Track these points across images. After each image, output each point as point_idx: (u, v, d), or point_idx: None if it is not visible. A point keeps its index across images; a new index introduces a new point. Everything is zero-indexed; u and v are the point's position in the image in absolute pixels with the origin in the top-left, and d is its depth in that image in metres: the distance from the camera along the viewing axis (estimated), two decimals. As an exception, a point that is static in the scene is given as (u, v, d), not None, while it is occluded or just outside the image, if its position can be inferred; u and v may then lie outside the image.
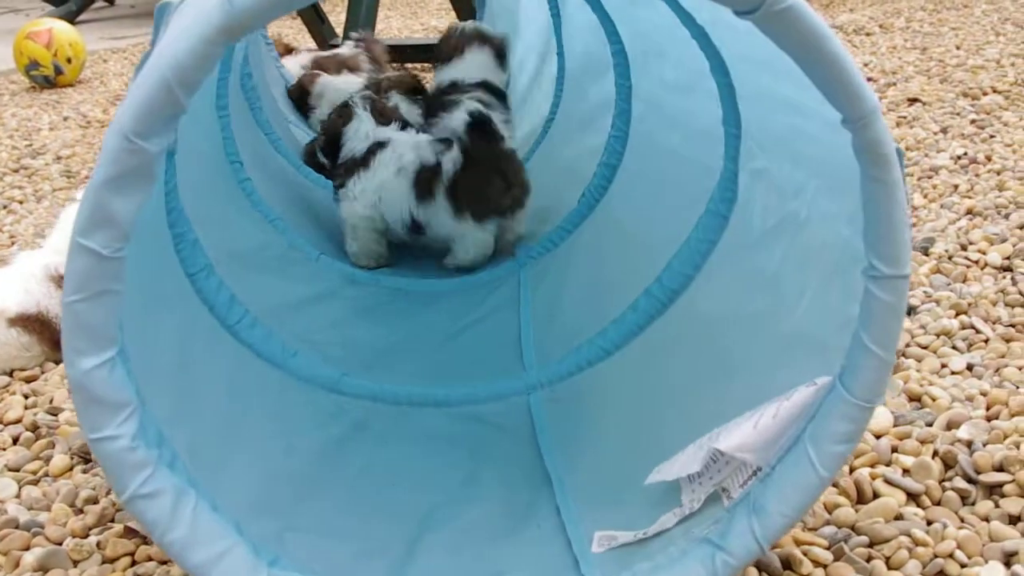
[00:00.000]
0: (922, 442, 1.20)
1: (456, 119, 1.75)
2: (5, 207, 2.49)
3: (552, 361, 1.36)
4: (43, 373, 1.57)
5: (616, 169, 1.66)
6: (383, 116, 2.00)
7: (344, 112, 1.96)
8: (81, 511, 1.18)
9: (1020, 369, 1.36)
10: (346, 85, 2.59)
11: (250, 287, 1.30)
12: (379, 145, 1.83)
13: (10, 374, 1.56)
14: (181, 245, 1.16)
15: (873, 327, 0.80)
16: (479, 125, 1.70)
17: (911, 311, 1.57)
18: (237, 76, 1.93)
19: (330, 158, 1.95)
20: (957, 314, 1.55)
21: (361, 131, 1.91)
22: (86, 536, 1.14)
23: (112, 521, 1.16)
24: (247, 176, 1.65)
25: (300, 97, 2.67)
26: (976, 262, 1.73)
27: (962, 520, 1.09)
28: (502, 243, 1.81)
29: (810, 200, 0.99)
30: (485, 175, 1.71)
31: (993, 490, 1.12)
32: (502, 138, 1.77)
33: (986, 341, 1.47)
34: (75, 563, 1.09)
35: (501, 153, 1.75)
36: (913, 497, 1.12)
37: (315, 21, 3.62)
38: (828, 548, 1.04)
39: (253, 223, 1.62)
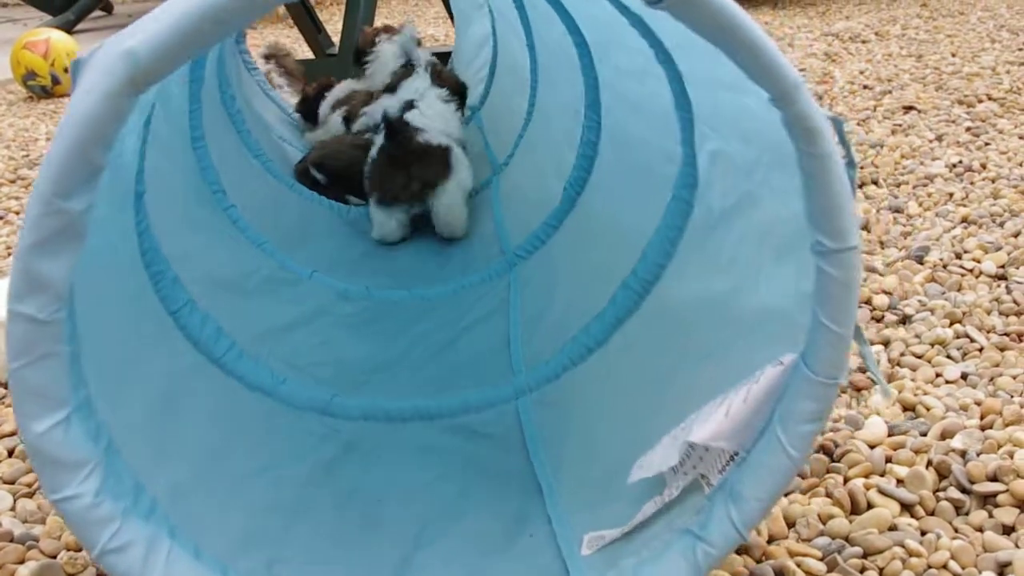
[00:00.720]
0: (916, 452, 1.21)
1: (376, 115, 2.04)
2: (2, 218, 2.49)
3: (539, 363, 1.36)
4: (38, 385, 1.56)
5: (593, 160, 1.66)
6: (441, 81, 2.23)
7: (405, 70, 2.25)
8: (75, 524, 1.18)
9: (1014, 378, 1.36)
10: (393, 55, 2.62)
11: (238, 313, 1.30)
12: (408, 105, 2.06)
13: (4, 386, 1.56)
14: (161, 284, 1.16)
15: (826, 303, 0.79)
16: (391, 127, 1.92)
17: (905, 320, 1.57)
18: (216, 104, 1.93)
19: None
20: (951, 323, 1.55)
21: (413, 87, 2.17)
22: (80, 549, 1.13)
23: (106, 534, 1.16)
24: (231, 204, 1.65)
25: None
26: (971, 271, 1.74)
27: (956, 530, 1.09)
28: (439, 223, 2.00)
29: (762, 177, 0.99)
30: (391, 169, 1.95)
31: (987, 500, 1.13)
32: (410, 138, 1.95)
33: (980, 350, 1.47)
34: (69, 577, 1.09)
35: (411, 151, 1.95)
36: (907, 507, 1.12)
37: (311, 30, 3.62)
38: (822, 559, 1.04)
39: (240, 250, 1.62)
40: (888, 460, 1.20)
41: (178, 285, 1.18)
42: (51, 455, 0.73)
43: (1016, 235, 1.85)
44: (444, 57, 3.00)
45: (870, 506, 1.13)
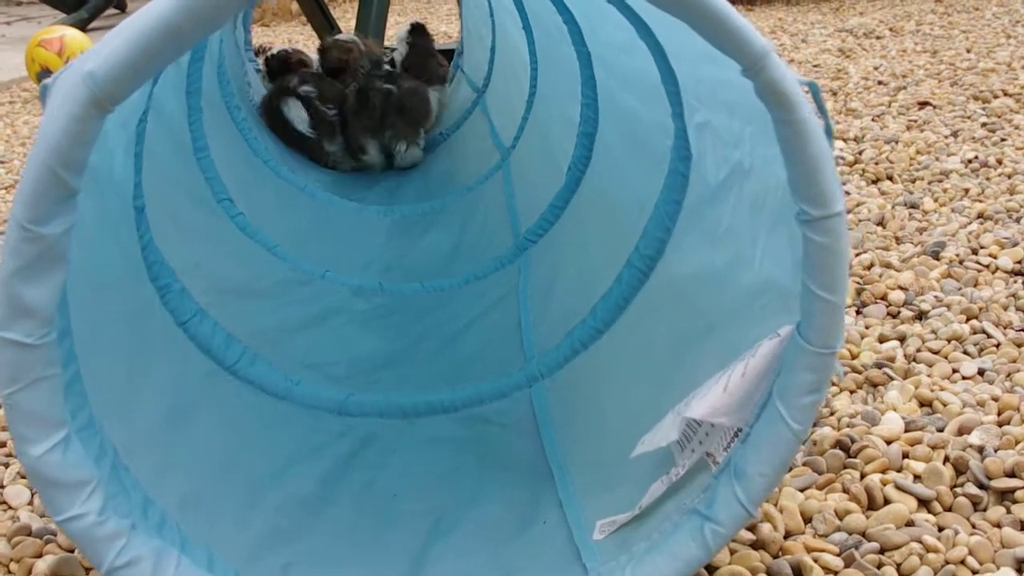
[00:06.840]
0: (933, 448, 1.20)
1: None
2: (17, 214, 2.50)
3: (550, 347, 1.35)
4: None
5: (593, 137, 1.62)
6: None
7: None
8: (93, 518, 1.19)
9: (1031, 374, 1.36)
10: None
11: (250, 318, 1.30)
12: None
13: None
14: (168, 296, 1.16)
15: (815, 271, 0.78)
16: None
17: (922, 316, 1.57)
18: (219, 112, 1.92)
19: None
20: (968, 319, 1.54)
21: None
22: (98, 543, 1.14)
23: (123, 528, 1.16)
24: (239, 211, 1.65)
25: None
26: (987, 266, 1.73)
27: (973, 526, 1.08)
28: None
29: (749, 148, 0.97)
30: None
31: (1004, 496, 1.12)
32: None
33: (997, 346, 1.46)
34: (87, 571, 1.09)
35: None
36: (924, 503, 1.12)
37: (325, 28, 3.62)
38: (839, 555, 1.03)
39: (250, 256, 1.61)
40: (905, 456, 1.20)
41: (186, 296, 1.19)
42: (51, 477, 0.72)
43: (1033, 231, 1.84)
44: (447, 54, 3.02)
45: (887, 502, 1.12)
